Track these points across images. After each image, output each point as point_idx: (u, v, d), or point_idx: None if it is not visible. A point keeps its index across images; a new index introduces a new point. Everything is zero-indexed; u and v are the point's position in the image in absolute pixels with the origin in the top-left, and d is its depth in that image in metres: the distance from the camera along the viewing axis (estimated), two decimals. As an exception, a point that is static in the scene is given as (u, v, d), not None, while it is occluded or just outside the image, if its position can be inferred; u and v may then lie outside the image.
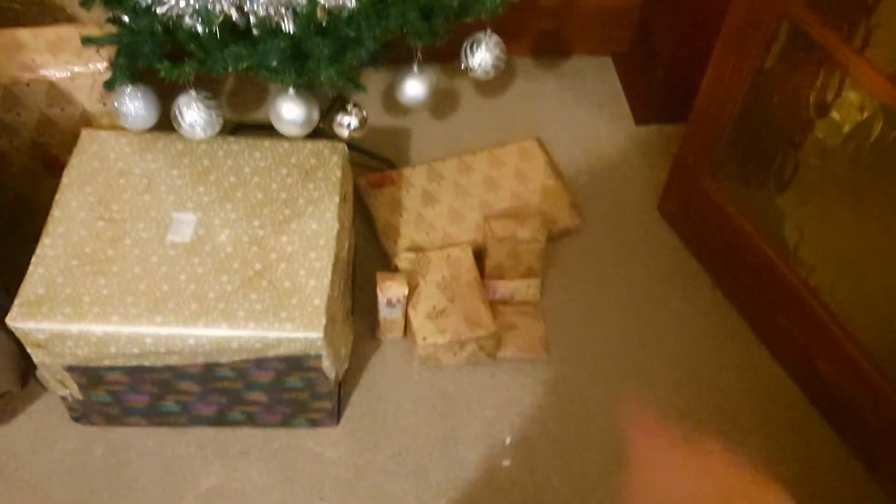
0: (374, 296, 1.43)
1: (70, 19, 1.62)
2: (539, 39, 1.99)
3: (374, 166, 1.74)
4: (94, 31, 1.32)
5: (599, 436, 1.42)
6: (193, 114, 1.24)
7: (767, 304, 1.50)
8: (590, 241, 1.69)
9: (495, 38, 1.35)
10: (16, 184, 1.49)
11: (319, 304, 1.20)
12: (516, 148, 1.80)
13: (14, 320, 1.16)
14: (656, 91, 1.90)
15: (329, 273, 1.23)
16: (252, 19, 1.19)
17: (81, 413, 1.37)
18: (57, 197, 1.29)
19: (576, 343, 1.54)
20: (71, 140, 1.39)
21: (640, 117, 1.93)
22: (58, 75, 1.33)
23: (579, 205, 1.73)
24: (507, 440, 1.41)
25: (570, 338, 1.54)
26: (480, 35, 1.34)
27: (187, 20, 1.19)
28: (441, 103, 1.90)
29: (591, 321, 1.57)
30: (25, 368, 1.39)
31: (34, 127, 1.40)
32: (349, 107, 1.34)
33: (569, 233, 1.69)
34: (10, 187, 1.49)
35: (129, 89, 1.29)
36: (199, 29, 1.18)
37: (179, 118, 1.25)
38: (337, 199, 1.32)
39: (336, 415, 1.40)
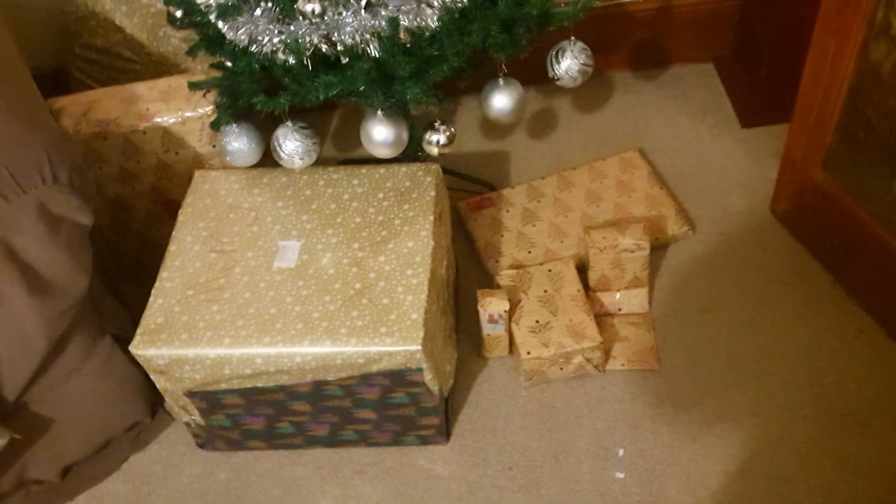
0: (476, 316, 1.44)
1: (184, 72, 1.74)
2: (636, 51, 1.97)
3: (474, 190, 1.76)
4: (195, 78, 1.41)
5: (717, 444, 1.35)
6: (291, 144, 1.30)
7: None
8: (699, 248, 1.64)
9: (580, 44, 1.35)
10: (140, 227, 1.60)
11: (417, 318, 1.22)
12: (617, 160, 1.77)
13: (136, 348, 1.24)
14: (761, 91, 1.84)
15: (425, 288, 1.25)
16: (340, 48, 1.24)
17: (205, 439, 1.44)
18: (173, 233, 1.38)
19: (689, 351, 1.48)
20: (186, 182, 1.49)
21: (746, 120, 1.86)
22: (170, 121, 1.43)
23: (687, 212, 1.69)
24: (621, 452, 1.37)
25: (682, 346, 1.49)
26: (565, 43, 1.35)
27: (280, 55, 1.26)
28: (539, 123, 1.90)
29: (704, 328, 1.51)
30: (154, 400, 1.48)
31: (153, 172, 1.50)
32: (437, 124, 1.37)
33: (677, 241, 1.64)
34: (135, 231, 1.60)
35: (233, 128, 1.38)
36: (292, 62, 1.24)
37: (279, 149, 1.32)
38: (431, 218, 1.34)
39: (445, 432, 1.40)
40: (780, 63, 1.75)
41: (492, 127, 1.89)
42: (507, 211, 1.70)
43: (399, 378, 1.26)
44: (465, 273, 1.64)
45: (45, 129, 1.12)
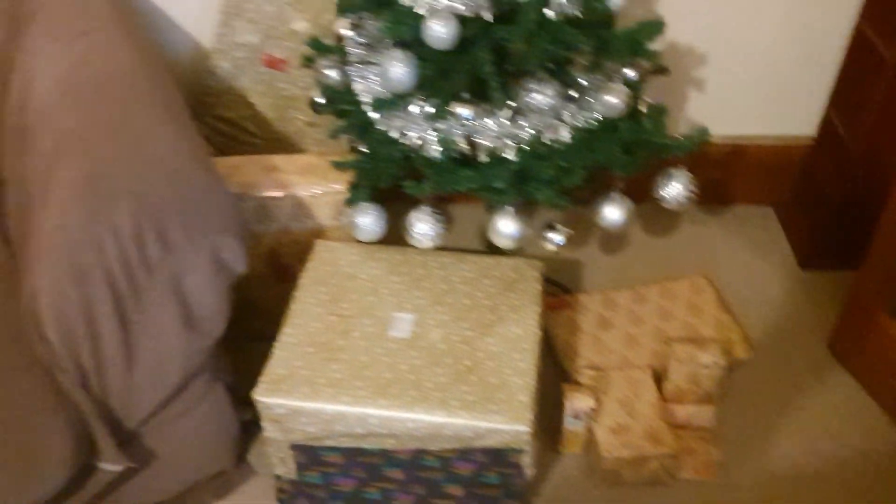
0: (552, 410, 1.52)
1: (300, 152, 1.89)
2: (704, 186, 2.13)
3: (550, 291, 1.88)
4: (338, 158, 1.55)
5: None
6: (424, 226, 1.43)
7: (956, 443, 1.49)
8: (762, 374, 1.74)
9: (688, 174, 1.50)
10: (247, 287, 1.70)
11: (525, 401, 1.31)
12: (687, 282, 1.90)
13: (260, 395, 1.33)
14: (820, 239, 1.98)
15: (533, 373, 1.35)
16: (480, 149, 1.39)
17: (289, 495, 1.50)
18: (296, 294, 1.49)
19: (752, 469, 1.56)
20: (301, 250, 1.61)
21: (804, 263, 2.00)
22: (304, 193, 1.56)
23: (751, 339, 1.80)
24: (689, 558, 1.43)
25: (746, 463, 1.57)
26: (674, 170, 1.50)
27: (425, 149, 1.40)
28: (611, 238, 2.04)
29: (766, 450, 1.60)
30: (241, 450, 1.55)
31: (274, 237, 1.62)
32: (558, 225, 1.50)
33: (741, 365, 1.75)
34: (242, 290, 1.71)
35: (364, 206, 1.51)
36: (436, 156, 1.39)
37: (412, 229, 1.45)
38: (538, 309, 1.45)
39: (522, 517, 1.47)
40: (840, 213, 1.90)
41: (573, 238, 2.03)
42: (583, 315, 1.81)
43: (498, 457, 1.34)
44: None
45: (225, 182, 1.25)
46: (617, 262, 2.00)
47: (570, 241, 1.54)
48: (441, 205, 2.04)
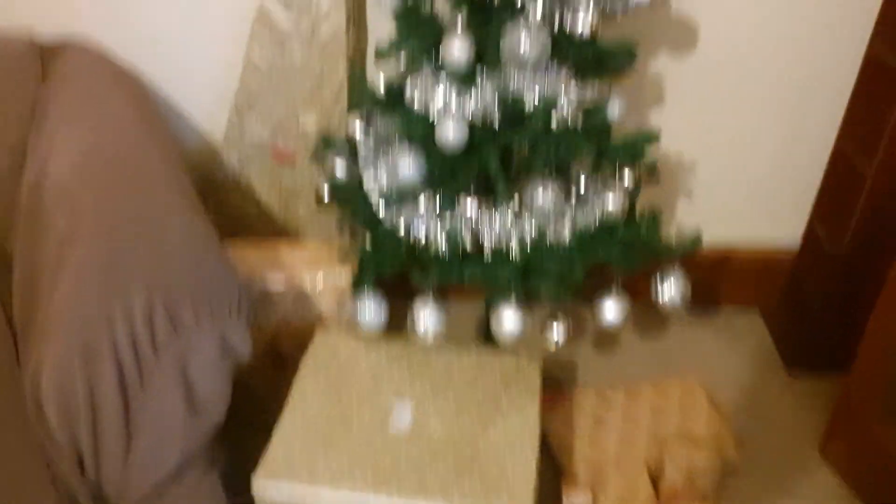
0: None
1: (304, 242, 1.93)
2: (694, 290, 2.18)
3: (546, 386, 1.89)
4: (342, 249, 1.59)
5: None
6: (426, 317, 1.46)
7: (950, 551, 1.50)
8: (752, 477, 1.74)
9: (682, 276, 1.55)
10: (244, 375, 1.70)
11: (526, 493, 1.31)
12: (679, 383, 1.92)
13: (259, 481, 1.32)
14: (806, 343, 2.02)
15: (534, 467, 1.35)
16: (485, 245, 1.44)
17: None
18: (296, 383, 1.49)
19: (750, 573, 1.55)
20: (302, 340, 1.63)
21: (793, 367, 2.04)
22: (308, 283, 1.59)
23: (741, 442, 1.81)
24: None
25: (743, 568, 1.56)
26: (669, 271, 1.55)
27: (431, 243, 1.44)
28: (603, 337, 2.08)
29: (763, 553, 1.59)
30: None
31: (275, 326, 1.64)
32: (558, 321, 1.53)
33: (733, 465, 1.76)
34: (239, 377, 1.71)
35: (367, 297, 1.54)
36: (441, 250, 1.43)
37: (415, 319, 1.47)
38: (537, 404, 1.47)
39: None
40: (825, 318, 1.95)
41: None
42: (578, 411, 1.82)
43: (497, 550, 1.32)
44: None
45: (236, 269, 1.28)
46: (610, 360, 2.03)
47: (569, 336, 1.57)
48: (442, 297, 2.07)
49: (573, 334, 2.05)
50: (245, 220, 1.93)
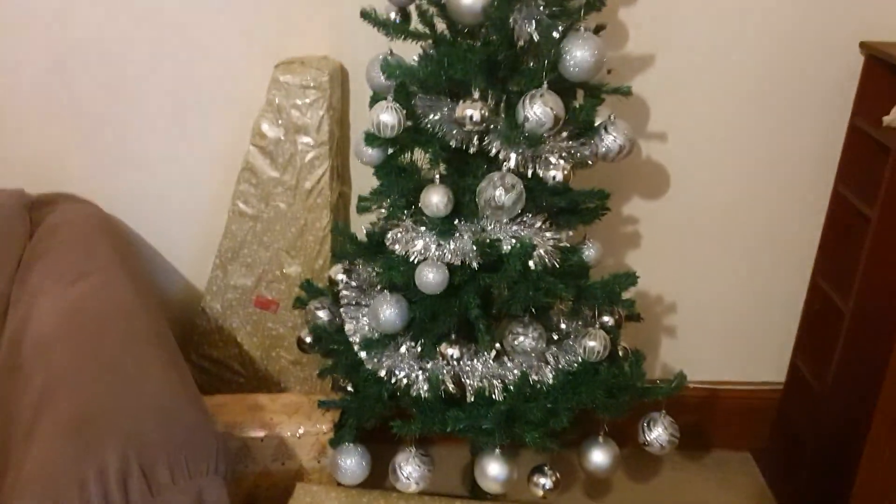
0: None
1: (283, 390, 1.90)
2: (683, 433, 2.15)
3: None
4: (324, 398, 1.57)
5: None
6: (411, 468, 1.42)
7: None
8: None
9: (669, 417, 1.53)
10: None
11: None
12: (673, 531, 1.86)
13: None
14: (801, 485, 1.97)
15: None
16: (468, 390, 1.42)
17: None
18: (275, 540, 1.43)
19: None
20: (280, 494, 1.57)
21: (790, 511, 1.98)
22: (288, 434, 1.56)
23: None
24: None
25: None
26: (656, 414, 1.53)
27: (414, 388, 1.43)
28: (595, 484, 2.02)
29: None
30: None
31: (254, 479, 1.59)
32: (546, 469, 1.50)
33: None
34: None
35: (349, 447, 1.50)
36: (424, 396, 1.41)
37: (398, 471, 1.43)
38: (526, 558, 1.41)
39: None
40: (815, 456, 1.91)
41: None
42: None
43: None
44: None
45: (215, 422, 1.25)
46: (599, 509, 1.97)
47: (556, 485, 1.53)
48: (425, 446, 2.02)
49: (562, 482, 2.00)
50: (227, 373, 1.91)
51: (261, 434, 1.55)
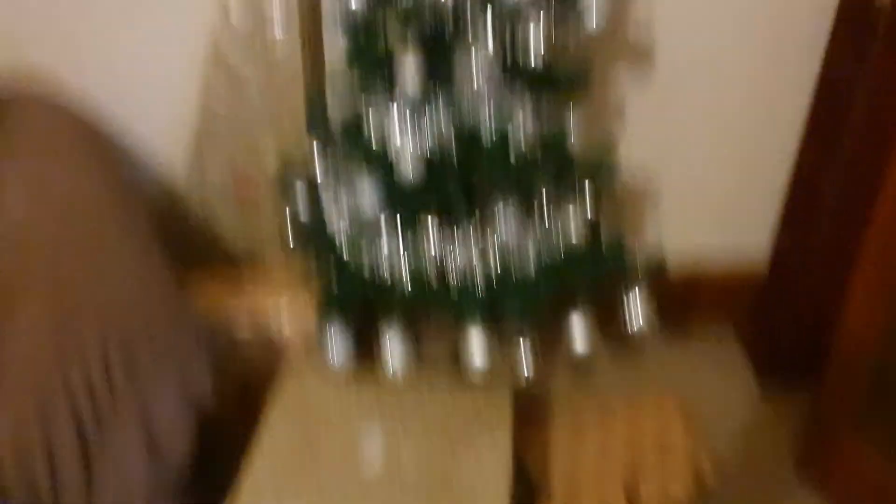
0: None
1: (269, 275, 1.90)
2: (665, 309, 2.17)
3: (521, 417, 1.88)
4: (308, 284, 1.58)
5: None
6: (395, 351, 1.45)
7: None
8: (730, 499, 1.73)
9: (650, 296, 1.54)
10: (213, 419, 1.67)
11: (500, 529, 1.29)
12: (654, 404, 1.91)
13: (226, 529, 1.29)
14: (780, 359, 2.02)
15: (506, 496, 1.34)
16: (450, 277, 1.43)
17: None
18: (262, 425, 1.47)
19: None
20: (268, 376, 1.60)
21: (766, 383, 2.03)
22: (272, 318, 1.57)
23: (717, 463, 1.80)
24: None
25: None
26: (636, 294, 1.54)
27: (395, 275, 1.43)
28: (578, 366, 2.06)
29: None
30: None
31: (241, 363, 1.61)
32: (526, 346, 1.52)
33: (709, 490, 1.74)
34: (208, 421, 1.68)
35: (332, 331, 1.52)
36: (406, 281, 1.42)
37: (383, 353, 1.46)
38: (509, 436, 1.45)
39: None
40: (797, 331, 1.95)
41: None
42: (554, 435, 1.80)
43: (473, 588, 1.30)
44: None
45: (195, 308, 1.26)
46: (585, 386, 2.02)
47: (539, 367, 1.56)
48: (411, 330, 2.06)
49: (546, 362, 2.04)
50: (212, 262, 1.91)
51: (244, 319, 1.57)
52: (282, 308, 1.60)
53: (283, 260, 1.90)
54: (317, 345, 1.55)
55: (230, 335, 1.56)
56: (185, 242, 1.90)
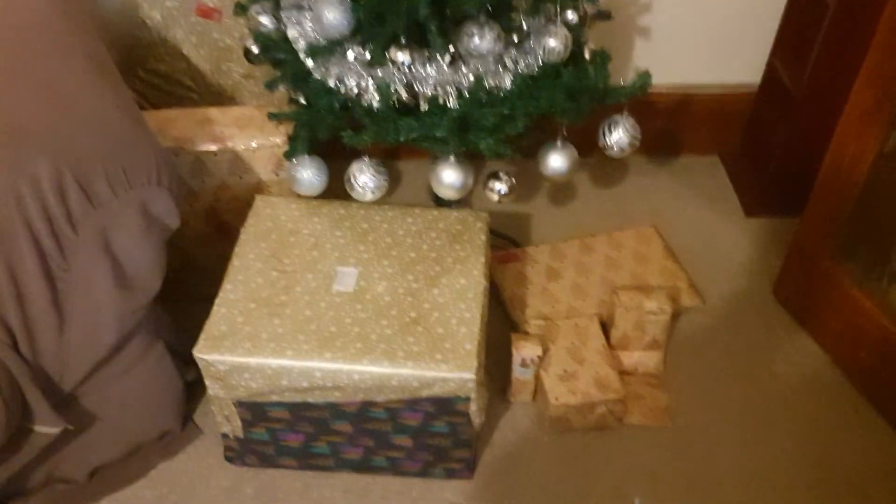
0: (502, 360, 1.52)
1: (238, 104, 1.84)
2: (652, 138, 2.13)
3: (499, 245, 1.87)
4: (275, 110, 1.51)
5: (727, 501, 1.45)
6: (365, 178, 1.40)
7: (893, 383, 1.53)
8: (708, 321, 1.76)
9: (631, 119, 1.48)
10: (187, 245, 1.66)
11: (471, 349, 1.30)
12: (634, 232, 1.90)
13: (200, 352, 1.30)
14: (765, 186, 2.00)
15: (478, 322, 1.34)
16: (421, 98, 1.36)
17: (237, 453, 1.47)
18: (236, 250, 1.45)
19: (700, 413, 1.58)
20: (242, 207, 1.57)
21: (750, 211, 2.02)
22: (242, 147, 1.52)
23: (697, 287, 1.81)
24: (637, 501, 1.45)
25: (694, 408, 1.59)
26: (617, 117, 1.48)
27: (365, 97, 1.36)
28: (560, 191, 2.04)
29: (713, 394, 1.62)
30: (186, 410, 1.52)
31: (213, 193, 1.58)
32: (501, 174, 1.48)
33: (687, 312, 1.76)
34: (181, 248, 1.66)
35: (304, 159, 1.47)
36: (375, 105, 1.35)
37: (353, 181, 1.41)
38: (483, 259, 1.44)
39: (472, 467, 1.47)
40: (785, 160, 1.92)
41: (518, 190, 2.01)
42: (532, 267, 1.80)
43: (445, 406, 1.33)
44: (489, 321, 1.72)
45: (154, 135, 1.20)
46: (565, 214, 2.00)
47: (519, 193, 1.53)
48: (386, 160, 2.01)
49: (528, 189, 2.01)
50: (178, 88, 1.83)
51: (213, 147, 1.51)
52: (251, 133, 1.54)
53: (253, 94, 1.83)
54: (288, 173, 1.50)
55: (198, 157, 1.51)
56: (147, 65, 1.81)
